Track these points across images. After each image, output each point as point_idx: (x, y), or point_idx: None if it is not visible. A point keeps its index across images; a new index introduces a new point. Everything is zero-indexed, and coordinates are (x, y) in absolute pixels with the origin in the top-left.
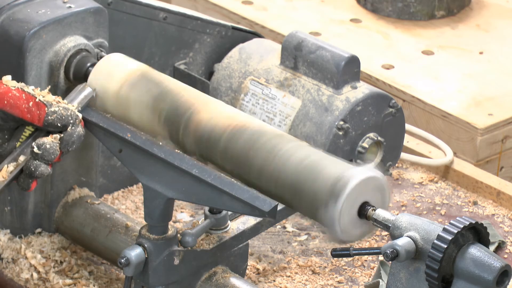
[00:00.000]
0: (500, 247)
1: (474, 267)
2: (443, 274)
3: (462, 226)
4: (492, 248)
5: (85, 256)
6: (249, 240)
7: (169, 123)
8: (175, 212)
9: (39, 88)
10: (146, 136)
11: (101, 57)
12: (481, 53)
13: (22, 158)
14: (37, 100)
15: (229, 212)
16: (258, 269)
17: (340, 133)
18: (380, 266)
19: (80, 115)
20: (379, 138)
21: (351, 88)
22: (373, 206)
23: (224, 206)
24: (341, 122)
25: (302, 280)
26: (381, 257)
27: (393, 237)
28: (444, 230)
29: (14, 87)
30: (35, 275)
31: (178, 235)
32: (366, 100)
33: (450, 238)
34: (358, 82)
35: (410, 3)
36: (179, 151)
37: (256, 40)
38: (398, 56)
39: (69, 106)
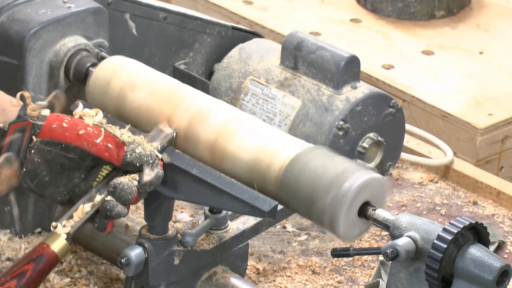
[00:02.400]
0: (500, 247)
1: (474, 267)
2: (443, 274)
3: (462, 226)
4: (492, 248)
5: (85, 256)
6: (249, 240)
7: None
8: (175, 212)
9: (118, 127)
10: None
11: (101, 57)
12: (481, 53)
13: (98, 198)
14: (116, 138)
15: (229, 212)
16: (258, 269)
17: (340, 133)
18: (380, 266)
19: (160, 155)
20: (379, 138)
21: (351, 88)
22: (373, 206)
23: (224, 206)
24: (341, 122)
25: (302, 280)
26: (381, 257)
27: (393, 237)
28: (444, 230)
29: (93, 123)
30: None
31: (178, 235)
32: (366, 100)
33: (450, 238)
34: (358, 82)
35: (410, 3)
36: (179, 151)
37: (256, 40)
38: (398, 56)
39: (148, 146)
